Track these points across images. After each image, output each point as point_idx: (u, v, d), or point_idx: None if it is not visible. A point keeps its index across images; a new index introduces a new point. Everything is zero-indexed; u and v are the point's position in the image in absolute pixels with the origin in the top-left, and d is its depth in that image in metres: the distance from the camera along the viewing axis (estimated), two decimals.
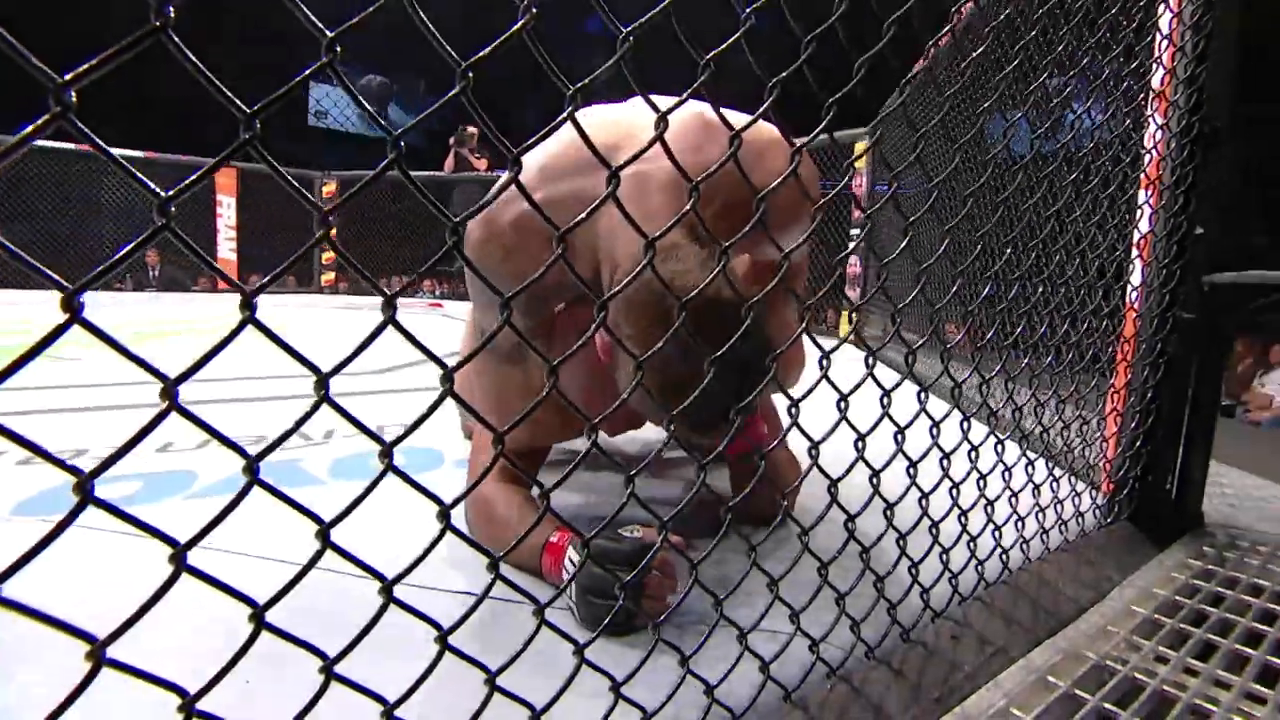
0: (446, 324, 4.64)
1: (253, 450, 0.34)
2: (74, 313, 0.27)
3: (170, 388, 0.30)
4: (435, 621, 0.45)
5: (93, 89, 0.27)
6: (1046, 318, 1.11)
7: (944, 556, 0.84)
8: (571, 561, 0.83)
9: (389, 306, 0.37)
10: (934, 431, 0.76)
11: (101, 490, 0.28)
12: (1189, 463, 1.25)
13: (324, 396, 0.36)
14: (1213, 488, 1.36)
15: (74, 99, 0.27)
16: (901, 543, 0.76)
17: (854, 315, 5.26)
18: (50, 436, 1.56)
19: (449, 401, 0.41)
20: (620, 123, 0.90)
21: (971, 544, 0.88)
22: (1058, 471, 1.08)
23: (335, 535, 0.38)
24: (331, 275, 8.49)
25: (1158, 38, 1.11)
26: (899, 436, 0.72)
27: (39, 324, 3.95)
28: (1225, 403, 4.83)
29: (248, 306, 0.32)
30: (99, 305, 3.80)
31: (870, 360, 0.67)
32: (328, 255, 7.44)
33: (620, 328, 0.69)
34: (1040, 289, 1.07)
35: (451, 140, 7.18)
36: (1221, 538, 1.23)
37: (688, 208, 0.49)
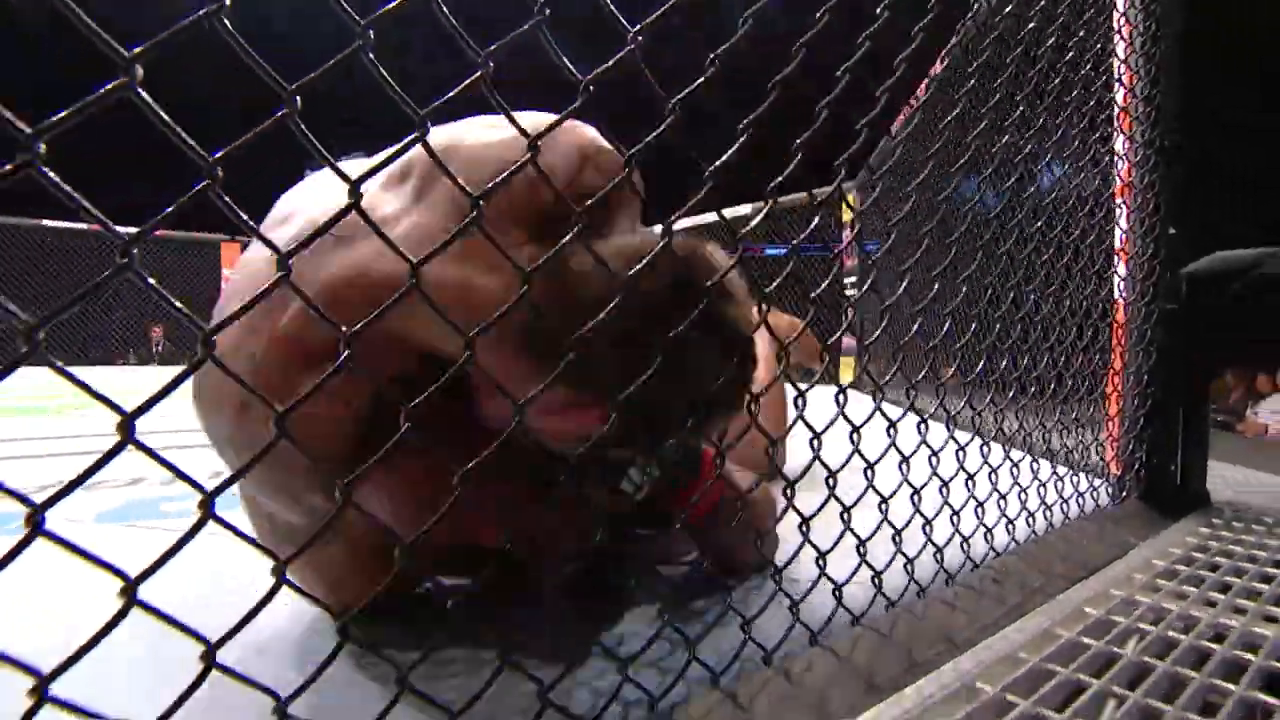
0: None
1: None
2: (127, 434, 0.30)
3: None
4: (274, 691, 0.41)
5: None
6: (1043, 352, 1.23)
7: (979, 510, 0.93)
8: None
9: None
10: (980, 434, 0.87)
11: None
12: (1188, 444, 1.35)
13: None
14: (1216, 479, 1.45)
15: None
16: (945, 490, 0.86)
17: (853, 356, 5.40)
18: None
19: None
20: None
21: (1002, 501, 0.98)
22: (1073, 459, 1.18)
23: None
24: None
25: (1115, 63, 1.28)
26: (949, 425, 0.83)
27: (67, 390, 3.99)
28: (1222, 418, 4.91)
29: (124, 431, 0.33)
30: (104, 377, 3.82)
31: (908, 396, 0.78)
32: None
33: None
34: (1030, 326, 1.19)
35: None
36: (1228, 513, 1.32)
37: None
